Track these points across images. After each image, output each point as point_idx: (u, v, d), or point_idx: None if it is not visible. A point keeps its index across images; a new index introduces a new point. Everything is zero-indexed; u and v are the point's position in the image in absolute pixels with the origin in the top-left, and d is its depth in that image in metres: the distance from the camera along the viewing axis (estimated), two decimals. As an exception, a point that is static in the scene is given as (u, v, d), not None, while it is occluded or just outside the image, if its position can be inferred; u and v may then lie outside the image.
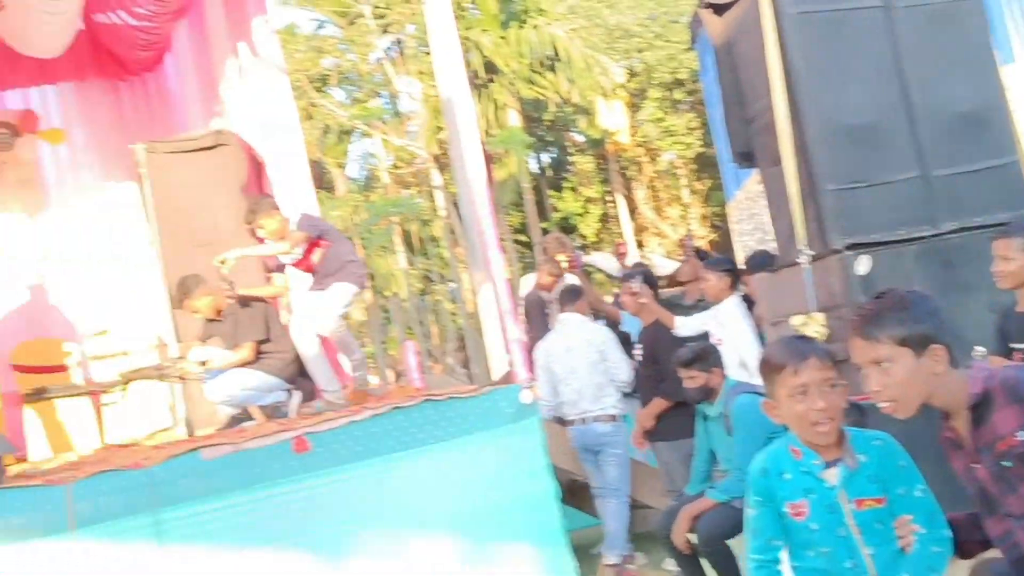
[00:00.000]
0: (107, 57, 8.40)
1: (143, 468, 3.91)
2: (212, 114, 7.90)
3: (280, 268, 6.08)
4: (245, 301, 6.01)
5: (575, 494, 5.99)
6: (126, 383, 8.14)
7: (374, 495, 4.25)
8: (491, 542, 4.28)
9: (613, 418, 5.88)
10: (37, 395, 7.91)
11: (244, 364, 6.00)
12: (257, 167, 7.31)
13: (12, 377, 8.03)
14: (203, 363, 6.08)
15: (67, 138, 9.07)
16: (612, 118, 19.99)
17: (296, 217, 5.81)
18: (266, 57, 7.06)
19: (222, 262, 5.72)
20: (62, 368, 8.37)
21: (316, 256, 5.68)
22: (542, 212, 21.85)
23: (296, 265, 5.84)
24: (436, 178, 18.91)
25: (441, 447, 4.37)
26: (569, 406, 5.96)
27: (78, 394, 8.04)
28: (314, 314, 5.65)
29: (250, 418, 6.07)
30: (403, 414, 4.38)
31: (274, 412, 6.05)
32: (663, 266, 9.47)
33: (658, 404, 5.68)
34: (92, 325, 8.79)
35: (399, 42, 19.05)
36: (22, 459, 6.87)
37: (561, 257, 7.26)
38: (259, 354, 6.03)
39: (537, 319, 6.88)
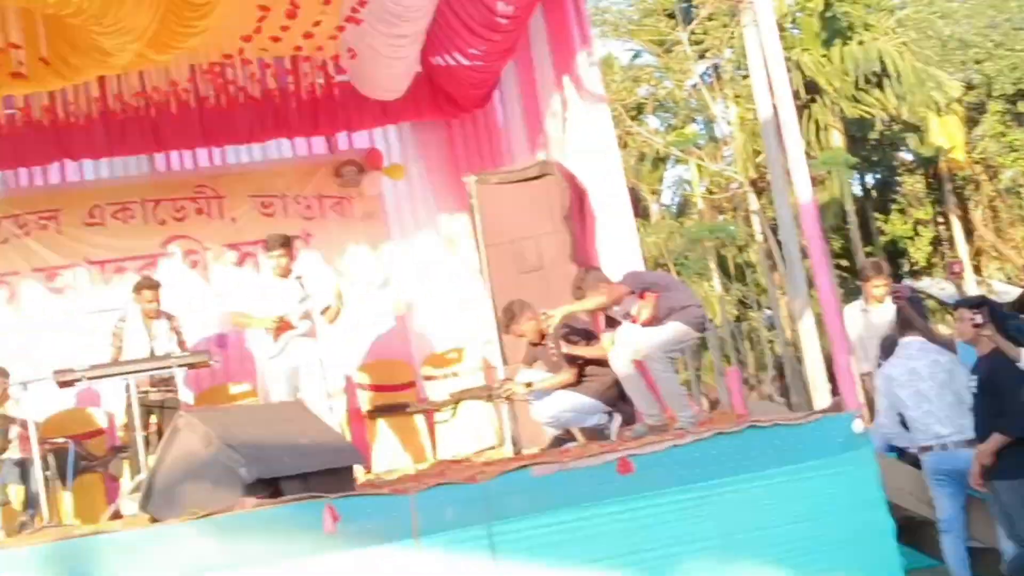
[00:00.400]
0: (441, 96, 8.97)
1: (478, 483, 4.11)
2: (537, 145, 8.23)
3: (612, 325, 6.17)
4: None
5: (911, 532, 5.63)
6: (456, 403, 8.63)
7: (696, 519, 4.23)
8: (821, 575, 4.13)
9: (973, 442, 5.50)
10: (380, 412, 8.56)
11: (567, 386, 6.19)
12: (579, 195, 7.52)
13: (356, 395, 8.73)
14: (528, 385, 6.32)
15: (406, 173, 9.81)
16: (946, 135, 18.75)
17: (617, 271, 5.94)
18: (588, 89, 7.27)
19: (547, 317, 5.95)
20: (404, 387, 9.01)
21: (645, 310, 5.72)
22: (867, 236, 20.83)
23: (632, 321, 5.90)
24: (752, 203, 18.56)
25: (766, 474, 4.28)
26: (919, 432, 5.66)
27: (415, 412, 8.62)
28: (637, 342, 5.71)
29: (573, 439, 6.24)
30: (726, 440, 4.33)
31: (595, 434, 6.18)
32: (1004, 292, 8.76)
33: (997, 440, 5.24)
34: (428, 347, 9.40)
35: (716, 67, 18.94)
36: (366, 470, 7.43)
37: (879, 283, 6.94)
38: (581, 377, 6.19)
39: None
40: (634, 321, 5.80)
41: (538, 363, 6.47)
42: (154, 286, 7.66)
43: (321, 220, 9.42)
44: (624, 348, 5.76)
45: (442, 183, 9.76)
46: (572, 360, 6.19)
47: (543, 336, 6.32)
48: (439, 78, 8.77)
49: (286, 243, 7.19)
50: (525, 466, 4.24)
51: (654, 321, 5.67)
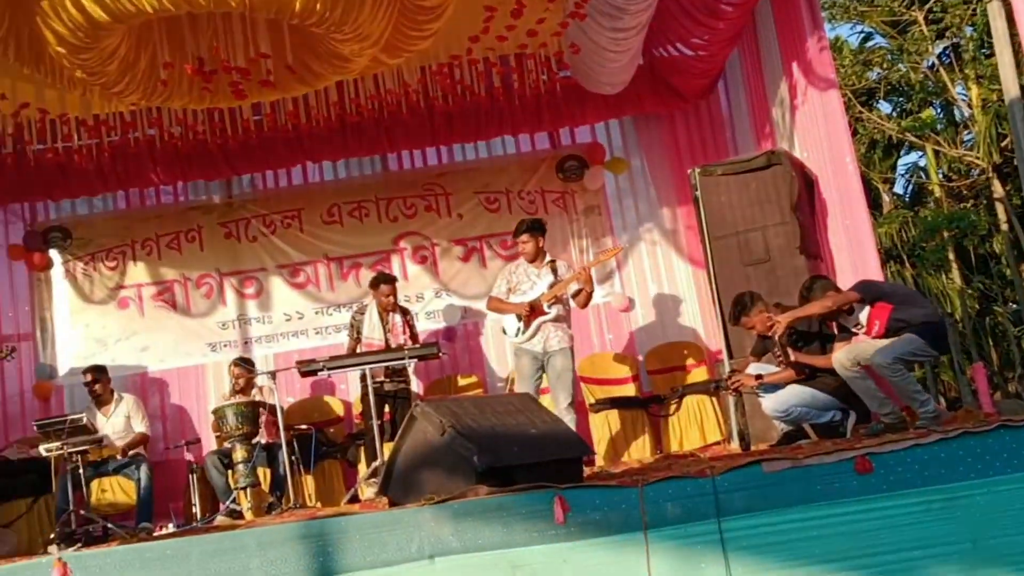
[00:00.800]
0: (664, 88, 8.89)
1: (707, 477, 4.05)
2: (763, 135, 8.03)
3: (845, 335, 5.96)
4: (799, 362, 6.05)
5: None
6: (681, 397, 8.55)
7: (941, 523, 4.00)
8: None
9: None
10: (603, 405, 8.59)
11: (799, 381, 6.01)
12: (809, 185, 7.28)
13: (580, 388, 8.79)
14: (758, 377, 6.18)
15: (628, 167, 9.80)
16: None
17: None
18: (818, 75, 7.02)
19: (775, 324, 5.82)
20: (626, 381, 9.02)
21: (876, 321, 5.50)
22: None
23: (866, 333, 5.68)
24: (996, 189, 17.38)
25: (1019, 477, 4.00)
26: None
27: (638, 406, 8.59)
28: (863, 349, 5.49)
29: (804, 435, 6.05)
30: (975, 440, 4.07)
31: (828, 431, 5.98)
32: None
33: None
34: (651, 340, 9.37)
35: (955, 46, 17.84)
36: (590, 462, 7.48)
37: None
38: (814, 373, 6.00)
39: None
40: (867, 333, 5.59)
41: (767, 356, 6.32)
42: (391, 281, 8.00)
43: (543, 215, 9.56)
44: (848, 353, 5.57)
45: (664, 176, 9.70)
46: (799, 366, 6.02)
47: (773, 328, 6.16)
48: (662, 69, 8.70)
49: (530, 228, 7.24)
50: (756, 461, 4.14)
51: (885, 333, 5.46)
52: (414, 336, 8.05)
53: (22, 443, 8.58)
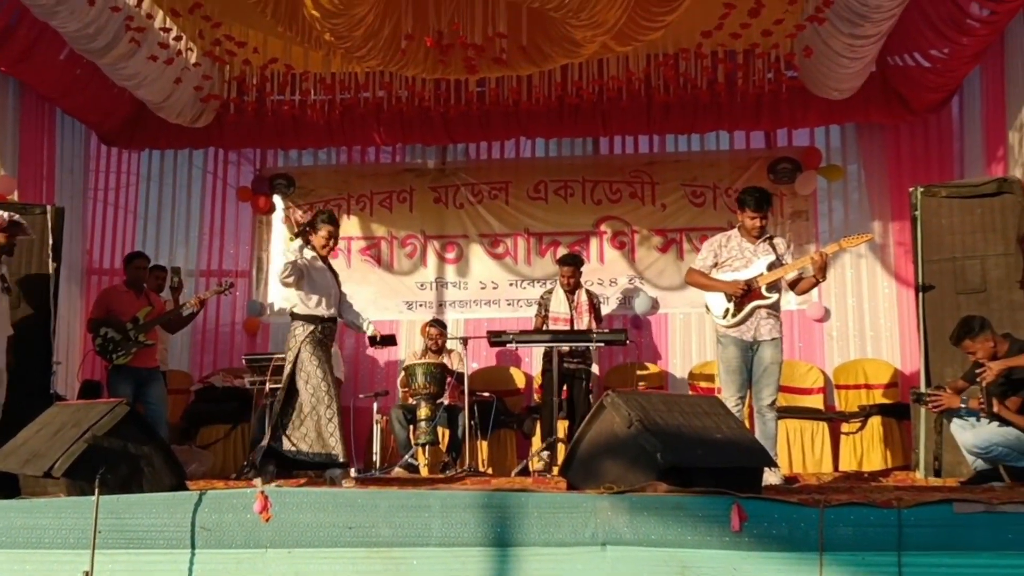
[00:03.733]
0: (894, 98, 8.53)
1: (893, 508, 3.95)
2: (994, 159, 7.61)
3: None
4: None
5: None
6: (868, 415, 8.30)
7: None
8: None
9: None
10: (783, 413, 8.40)
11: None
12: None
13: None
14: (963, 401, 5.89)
15: (843, 175, 9.52)
16: None
17: None
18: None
19: (985, 371, 5.57)
20: (811, 392, 8.83)
21: None
22: None
23: None
24: None
25: None
26: None
27: (822, 419, 8.40)
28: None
29: (997, 477, 5.79)
30: None
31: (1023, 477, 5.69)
32: None
33: None
34: (844, 354, 9.13)
35: None
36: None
37: None
38: (1024, 411, 5.71)
39: None
40: None
41: (973, 388, 6.00)
42: (570, 263, 8.13)
43: (748, 215, 9.42)
44: None
45: (880, 188, 9.41)
46: (1000, 419, 5.71)
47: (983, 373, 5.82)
48: (894, 79, 8.36)
49: (752, 202, 6.25)
50: (947, 500, 4.00)
51: None
52: (598, 318, 8.17)
53: (227, 373, 9.19)
